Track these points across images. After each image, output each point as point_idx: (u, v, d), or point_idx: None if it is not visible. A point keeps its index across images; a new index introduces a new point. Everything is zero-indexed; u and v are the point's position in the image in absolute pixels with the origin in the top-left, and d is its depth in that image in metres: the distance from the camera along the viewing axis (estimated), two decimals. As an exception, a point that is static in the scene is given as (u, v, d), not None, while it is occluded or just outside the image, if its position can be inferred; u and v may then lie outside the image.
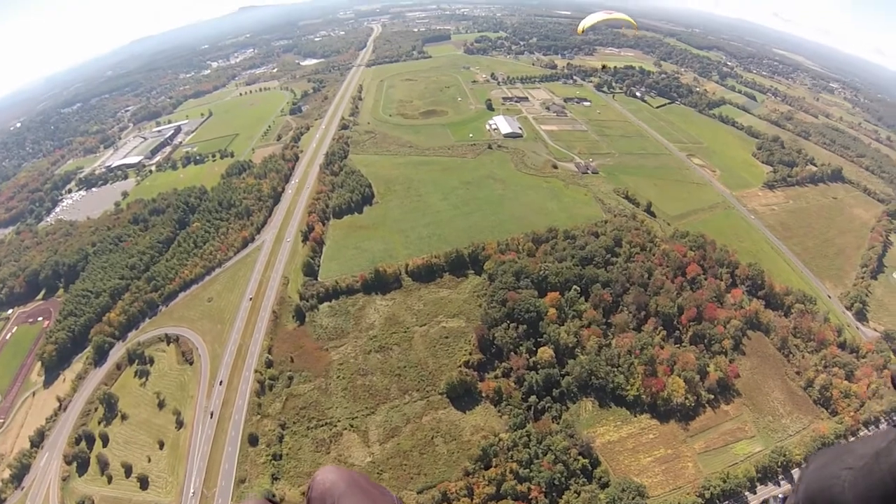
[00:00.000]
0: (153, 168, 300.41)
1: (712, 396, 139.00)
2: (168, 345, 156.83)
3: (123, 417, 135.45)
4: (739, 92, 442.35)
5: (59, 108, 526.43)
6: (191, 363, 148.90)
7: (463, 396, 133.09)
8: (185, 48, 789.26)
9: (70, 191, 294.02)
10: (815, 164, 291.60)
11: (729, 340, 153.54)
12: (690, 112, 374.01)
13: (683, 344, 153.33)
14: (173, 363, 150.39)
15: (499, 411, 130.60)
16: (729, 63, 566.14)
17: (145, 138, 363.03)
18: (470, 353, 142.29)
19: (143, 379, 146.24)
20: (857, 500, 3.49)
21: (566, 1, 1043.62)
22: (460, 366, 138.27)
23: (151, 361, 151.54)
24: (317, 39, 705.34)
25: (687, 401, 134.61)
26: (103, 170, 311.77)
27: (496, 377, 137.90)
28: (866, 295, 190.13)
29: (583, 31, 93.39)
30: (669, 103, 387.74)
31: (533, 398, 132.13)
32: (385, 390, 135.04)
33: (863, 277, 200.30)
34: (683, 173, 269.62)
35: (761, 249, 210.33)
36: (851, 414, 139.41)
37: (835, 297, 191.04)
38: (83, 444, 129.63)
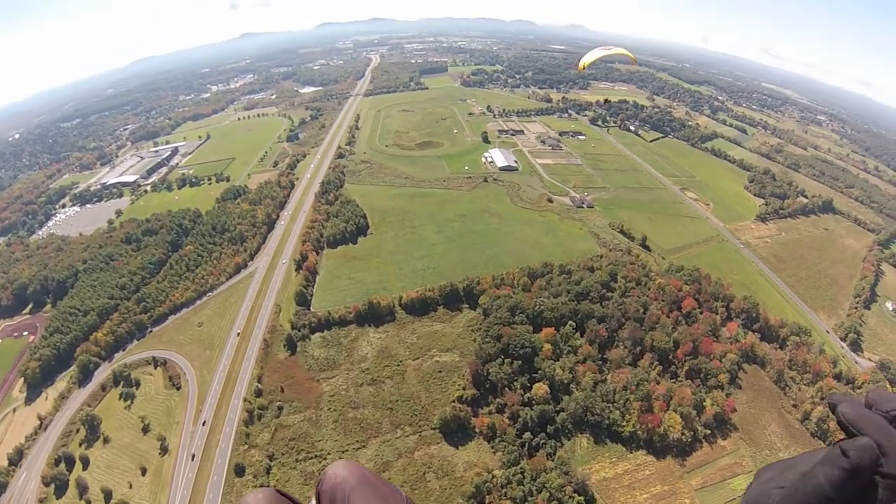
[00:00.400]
0: (148, 188, 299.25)
1: (709, 431, 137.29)
2: (155, 368, 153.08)
3: (105, 440, 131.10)
4: (730, 125, 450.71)
5: (59, 122, 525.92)
6: (178, 388, 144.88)
7: (456, 432, 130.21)
8: (186, 70, 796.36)
9: (64, 205, 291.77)
10: (805, 196, 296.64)
11: (725, 374, 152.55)
12: (683, 146, 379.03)
13: (679, 378, 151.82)
14: (160, 387, 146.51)
15: (492, 447, 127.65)
16: (719, 97, 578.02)
17: (142, 158, 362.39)
18: (464, 388, 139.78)
19: (128, 402, 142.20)
20: None
21: (560, 36, 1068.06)
22: (454, 401, 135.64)
23: (137, 384, 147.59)
24: (316, 68, 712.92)
25: (683, 436, 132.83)
26: (98, 186, 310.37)
27: (490, 413, 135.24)
28: (860, 325, 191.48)
29: (584, 69, 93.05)
30: (663, 137, 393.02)
31: (527, 434, 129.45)
32: (377, 424, 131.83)
33: (856, 307, 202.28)
34: (677, 207, 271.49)
35: (755, 282, 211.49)
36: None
37: (829, 327, 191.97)
38: (63, 465, 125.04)
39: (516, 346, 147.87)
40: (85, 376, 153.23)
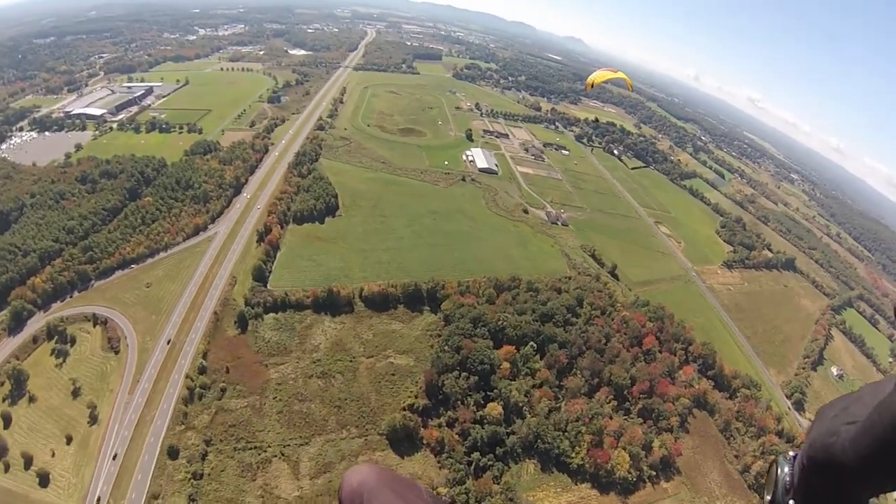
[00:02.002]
0: (114, 125, 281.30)
1: (654, 473, 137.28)
2: (94, 326, 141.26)
3: (31, 399, 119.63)
4: (710, 167, 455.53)
5: (33, 37, 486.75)
6: (116, 352, 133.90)
7: (403, 441, 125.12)
8: (175, 7, 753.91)
9: (21, 129, 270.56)
10: (771, 250, 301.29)
11: (676, 418, 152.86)
12: (663, 179, 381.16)
13: (632, 416, 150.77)
14: (96, 348, 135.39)
15: (439, 462, 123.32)
16: (703, 138, 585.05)
17: (113, 91, 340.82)
18: (416, 397, 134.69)
19: (60, 360, 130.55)
20: (860, 460, 3.26)
21: (557, 46, 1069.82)
22: (405, 408, 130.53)
23: (73, 341, 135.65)
24: (309, 31, 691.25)
25: (629, 475, 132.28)
26: (61, 115, 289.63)
27: (440, 426, 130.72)
28: (806, 386, 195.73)
29: (591, 87, 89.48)
30: (645, 167, 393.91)
31: (476, 454, 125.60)
32: (322, 421, 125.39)
33: (804, 368, 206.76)
34: (650, 240, 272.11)
35: (714, 328, 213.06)
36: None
37: (777, 383, 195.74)
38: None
39: (475, 360, 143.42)
40: (17, 324, 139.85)
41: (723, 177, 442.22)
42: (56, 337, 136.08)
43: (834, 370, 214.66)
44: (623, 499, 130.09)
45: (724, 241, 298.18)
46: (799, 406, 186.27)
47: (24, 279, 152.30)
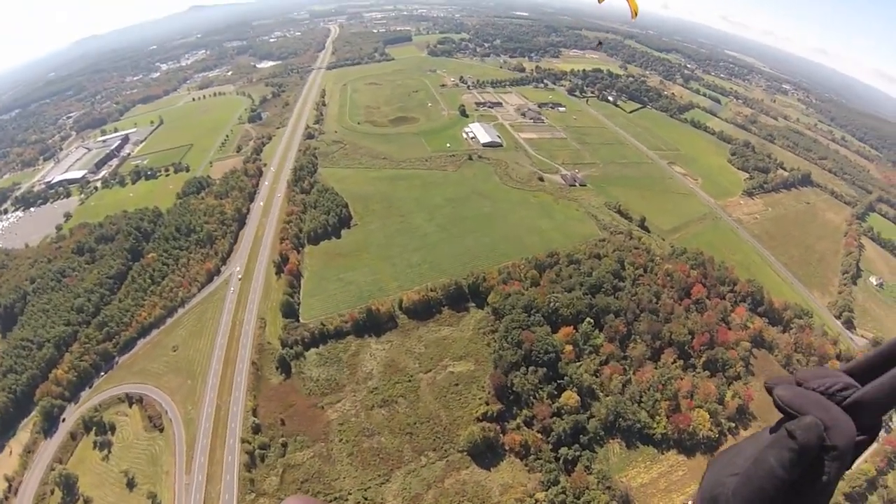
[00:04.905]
0: (98, 184, 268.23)
1: (733, 424, 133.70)
2: (130, 407, 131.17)
3: (87, 503, 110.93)
4: (704, 95, 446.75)
5: None
6: (161, 430, 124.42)
7: (485, 452, 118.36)
8: (132, 49, 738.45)
9: (6, 211, 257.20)
10: (785, 169, 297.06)
11: (740, 363, 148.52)
12: (662, 117, 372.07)
13: (698, 370, 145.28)
14: (139, 430, 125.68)
15: (526, 466, 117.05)
16: (689, 66, 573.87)
17: (89, 149, 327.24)
18: (486, 403, 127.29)
19: (105, 451, 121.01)
20: None
21: (521, 2, 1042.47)
22: (478, 418, 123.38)
23: (112, 429, 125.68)
24: (272, 40, 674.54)
25: (711, 432, 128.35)
26: (42, 186, 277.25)
27: (518, 427, 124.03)
28: (851, 302, 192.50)
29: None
30: (642, 108, 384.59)
31: (563, 449, 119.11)
32: (397, 452, 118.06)
33: (845, 284, 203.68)
34: (667, 183, 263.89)
35: (753, 262, 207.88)
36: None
37: (823, 305, 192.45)
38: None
39: (539, 351, 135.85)
40: (50, 424, 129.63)
41: (719, 102, 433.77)
42: (94, 428, 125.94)
43: (873, 280, 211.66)
44: (709, 457, 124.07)
45: (739, 168, 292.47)
46: (849, 325, 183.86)
47: (46, 373, 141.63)
